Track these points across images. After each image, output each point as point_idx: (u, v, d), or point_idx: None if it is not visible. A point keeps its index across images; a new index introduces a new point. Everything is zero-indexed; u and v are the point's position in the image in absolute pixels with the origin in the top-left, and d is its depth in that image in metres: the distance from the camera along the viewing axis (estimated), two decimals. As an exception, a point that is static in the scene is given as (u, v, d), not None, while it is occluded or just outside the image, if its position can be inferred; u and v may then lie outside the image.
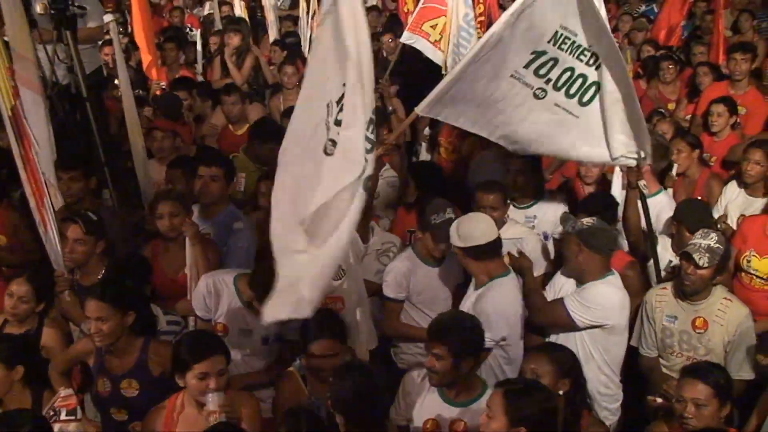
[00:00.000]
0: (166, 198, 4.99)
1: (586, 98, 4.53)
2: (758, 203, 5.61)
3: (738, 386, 4.26)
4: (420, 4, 7.42)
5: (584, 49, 4.39)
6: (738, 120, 6.88)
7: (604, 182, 5.83)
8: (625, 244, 5.22)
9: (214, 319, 4.45)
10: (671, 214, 5.13)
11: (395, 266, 4.99)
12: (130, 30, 9.88)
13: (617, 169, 5.55)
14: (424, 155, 7.70)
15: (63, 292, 4.71)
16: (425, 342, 3.95)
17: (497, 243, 4.47)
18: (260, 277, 4.10)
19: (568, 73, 4.46)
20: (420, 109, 4.53)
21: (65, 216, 4.82)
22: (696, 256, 4.25)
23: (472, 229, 4.41)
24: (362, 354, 4.32)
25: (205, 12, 12.57)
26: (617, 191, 5.50)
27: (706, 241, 4.30)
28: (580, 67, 4.45)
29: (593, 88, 4.49)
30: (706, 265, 4.24)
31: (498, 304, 4.32)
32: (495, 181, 5.39)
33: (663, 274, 4.99)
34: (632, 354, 4.68)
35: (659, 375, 4.56)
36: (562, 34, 4.34)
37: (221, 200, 5.32)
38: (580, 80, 4.48)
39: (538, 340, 4.54)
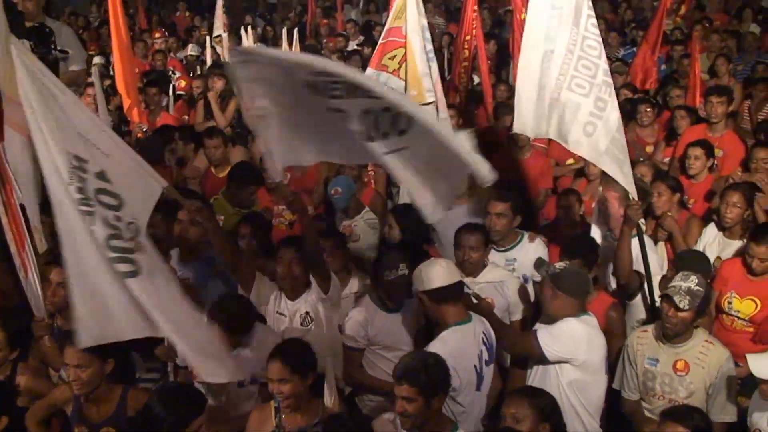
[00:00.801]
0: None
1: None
2: (734, 246, 5.64)
3: (719, 429, 4.30)
4: (379, 41, 7.48)
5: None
6: (715, 162, 6.96)
7: (585, 224, 5.87)
8: (612, 283, 5.30)
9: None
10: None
11: (352, 315, 4.97)
12: (112, 72, 9.92)
13: (595, 210, 5.61)
14: (404, 198, 7.73)
15: (42, 337, 4.64)
16: (387, 389, 3.94)
17: (458, 287, 4.45)
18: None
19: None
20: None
21: (49, 259, 4.77)
22: (676, 299, 4.26)
23: (434, 271, 4.39)
24: (327, 400, 4.26)
25: (188, 52, 12.68)
26: (597, 233, 5.54)
27: (686, 283, 4.32)
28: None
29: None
30: (686, 307, 4.26)
31: (450, 353, 4.23)
32: (477, 223, 5.43)
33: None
34: (615, 397, 4.67)
35: (641, 418, 4.55)
36: None
37: (201, 244, 5.31)
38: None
39: (519, 380, 4.54)
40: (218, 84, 8.84)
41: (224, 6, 11.67)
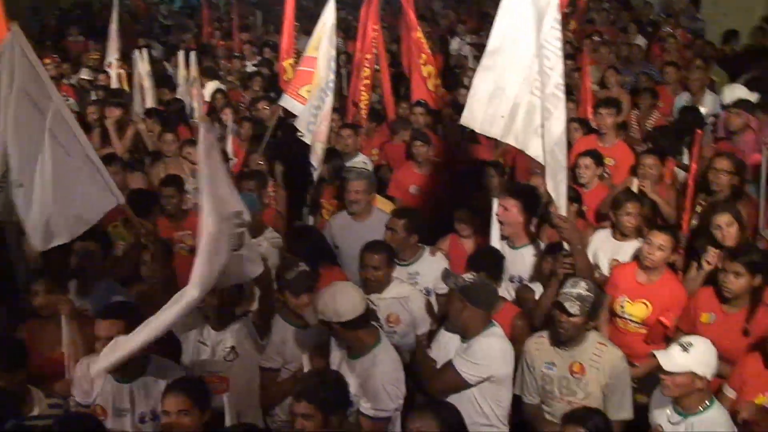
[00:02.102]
0: (40, 275, 4.87)
1: None
2: (627, 246, 5.80)
3: (617, 427, 4.45)
4: (297, 68, 7.59)
5: None
6: (606, 171, 7.21)
7: (486, 235, 6.00)
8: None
9: (93, 402, 4.33)
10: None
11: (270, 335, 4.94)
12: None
13: (494, 220, 5.75)
14: (308, 219, 7.77)
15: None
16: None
17: (369, 310, 4.52)
18: None
19: None
20: None
21: None
22: (567, 305, 4.41)
23: (347, 303, 4.37)
24: None
25: (82, 75, 12.42)
26: (497, 243, 5.68)
27: (576, 289, 4.47)
28: None
29: None
30: (577, 313, 4.40)
31: (387, 376, 4.34)
32: (381, 241, 5.50)
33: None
34: (517, 402, 4.79)
35: (542, 421, 4.68)
36: None
37: (99, 274, 5.22)
38: None
39: None
40: (115, 113, 8.66)
41: (118, 29, 11.47)
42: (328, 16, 7.31)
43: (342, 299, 4.39)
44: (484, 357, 4.50)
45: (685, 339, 4.16)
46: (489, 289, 4.74)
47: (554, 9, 4.77)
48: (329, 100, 7.11)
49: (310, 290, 4.82)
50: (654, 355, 4.11)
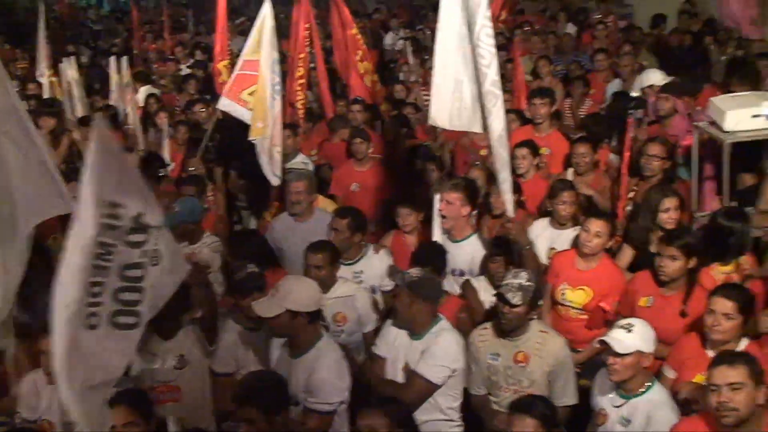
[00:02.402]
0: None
1: None
2: (566, 234, 5.88)
3: (563, 412, 4.56)
4: (235, 71, 7.52)
5: None
6: (543, 161, 7.32)
7: (427, 231, 6.05)
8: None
9: (39, 418, 4.28)
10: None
11: (221, 339, 4.95)
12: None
13: (436, 215, 5.80)
14: (251, 221, 7.76)
15: None
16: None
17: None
18: None
19: None
20: None
21: None
22: (509, 296, 4.49)
23: (310, 293, 4.50)
24: None
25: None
26: (439, 237, 5.75)
27: (517, 280, 4.55)
28: None
29: None
30: (519, 302, 4.48)
31: (331, 369, 4.39)
32: (324, 240, 5.52)
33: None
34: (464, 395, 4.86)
35: (490, 411, 4.75)
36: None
37: (41, 287, 5.12)
38: None
39: None
40: (50, 122, 8.49)
41: (46, 36, 11.26)
42: (267, 17, 7.24)
43: (305, 289, 4.49)
44: (445, 355, 4.59)
45: (623, 321, 4.28)
46: (435, 283, 4.85)
47: (484, 7, 4.83)
48: (278, 104, 7.06)
49: (260, 290, 4.83)
50: (599, 342, 4.21)
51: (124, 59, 10.27)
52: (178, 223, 6.17)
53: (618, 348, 4.09)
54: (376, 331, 5.26)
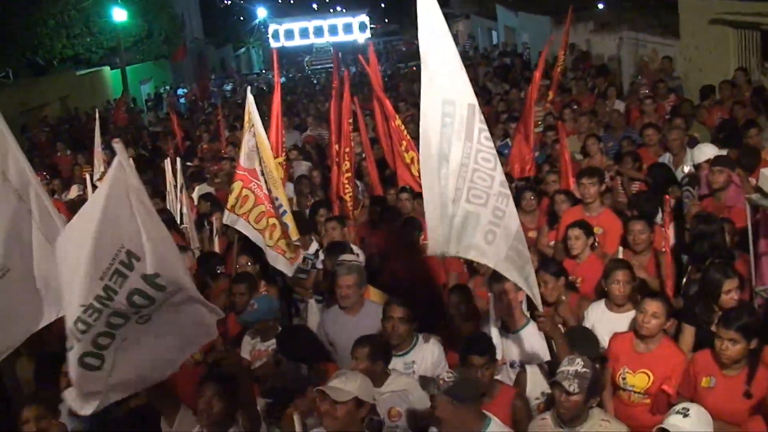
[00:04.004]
0: (32, 401, 4.81)
1: None
2: (624, 318, 5.75)
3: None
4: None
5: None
6: (596, 241, 7.20)
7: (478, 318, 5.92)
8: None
9: None
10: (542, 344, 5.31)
11: None
12: None
13: (491, 308, 5.70)
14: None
15: None
16: None
17: None
18: None
19: None
20: None
21: None
22: (566, 384, 4.35)
23: (369, 385, 4.56)
24: None
25: (72, 195, 12.49)
26: (494, 333, 5.64)
27: (573, 367, 4.42)
28: None
29: None
30: (576, 390, 4.34)
31: None
32: (368, 336, 5.42)
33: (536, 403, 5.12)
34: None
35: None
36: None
37: None
38: None
39: None
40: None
41: (102, 142, 11.61)
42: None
43: (366, 380, 4.52)
44: None
45: (679, 406, 4.15)
46: (473, 381, 4.63)
47: (477, 114, 4.68)
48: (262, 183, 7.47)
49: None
50: (657, 431, 4.05)
51: (178, 160, 10.52)
52: (257, 320, 6.21)
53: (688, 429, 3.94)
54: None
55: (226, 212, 7.84)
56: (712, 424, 4.08)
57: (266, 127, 7.96)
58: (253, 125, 7.46)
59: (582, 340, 5.24)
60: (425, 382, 4.68)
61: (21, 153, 4.59)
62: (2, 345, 4.61)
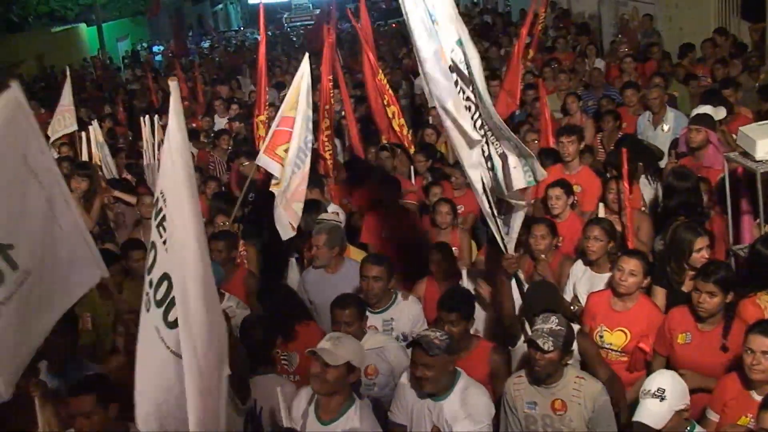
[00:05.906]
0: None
1: None
2: (603, 279, 5.76)
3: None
4: (272, 128, 7.56)
5: None
6: (575, 199, 7.22)
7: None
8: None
9: None
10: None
11: None
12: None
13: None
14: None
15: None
16: None
17: None
18: None
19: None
20: None
21: None
22: (540, 342, 4.37)
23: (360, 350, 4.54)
24: None
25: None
26: (468, 284, 5.68)
27: (547, 325, 4.44)
28: None
29: None
30: (551, 348, 4.36)
31: None
32: (349, 294, 5.44)
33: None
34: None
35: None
36: None
37: (69, 352, 5.15)
38: None
39: None
40: (82, 185, 8.51)
41: (72, 100, 11.38)
42: (305, 75, 7.34)
43: (359, 345, 4.56)
44: (484, 412, 4.46)
45: (653, 387, 4.07)
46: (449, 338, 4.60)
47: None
48: (308, 160, 7.15)
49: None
50: (635, 424, 4.05)
51: (156, 118, 10.40)
52: None
53: (657, 424, 3.97)
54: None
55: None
56: (686, 393, 4.09)
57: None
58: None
59: (540, 295, 5.26)
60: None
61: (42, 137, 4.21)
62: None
